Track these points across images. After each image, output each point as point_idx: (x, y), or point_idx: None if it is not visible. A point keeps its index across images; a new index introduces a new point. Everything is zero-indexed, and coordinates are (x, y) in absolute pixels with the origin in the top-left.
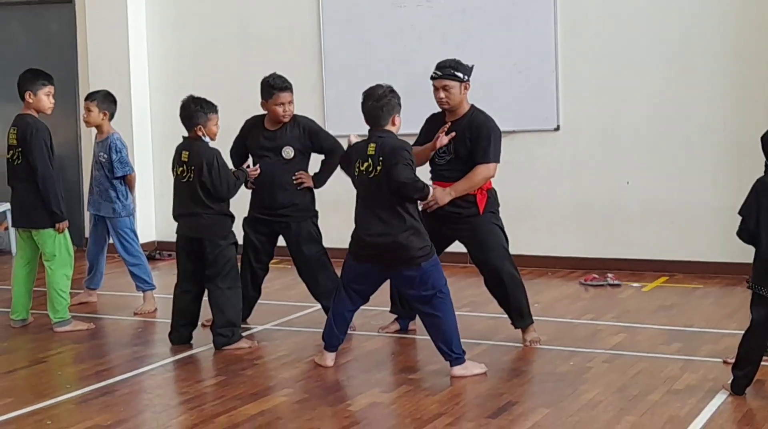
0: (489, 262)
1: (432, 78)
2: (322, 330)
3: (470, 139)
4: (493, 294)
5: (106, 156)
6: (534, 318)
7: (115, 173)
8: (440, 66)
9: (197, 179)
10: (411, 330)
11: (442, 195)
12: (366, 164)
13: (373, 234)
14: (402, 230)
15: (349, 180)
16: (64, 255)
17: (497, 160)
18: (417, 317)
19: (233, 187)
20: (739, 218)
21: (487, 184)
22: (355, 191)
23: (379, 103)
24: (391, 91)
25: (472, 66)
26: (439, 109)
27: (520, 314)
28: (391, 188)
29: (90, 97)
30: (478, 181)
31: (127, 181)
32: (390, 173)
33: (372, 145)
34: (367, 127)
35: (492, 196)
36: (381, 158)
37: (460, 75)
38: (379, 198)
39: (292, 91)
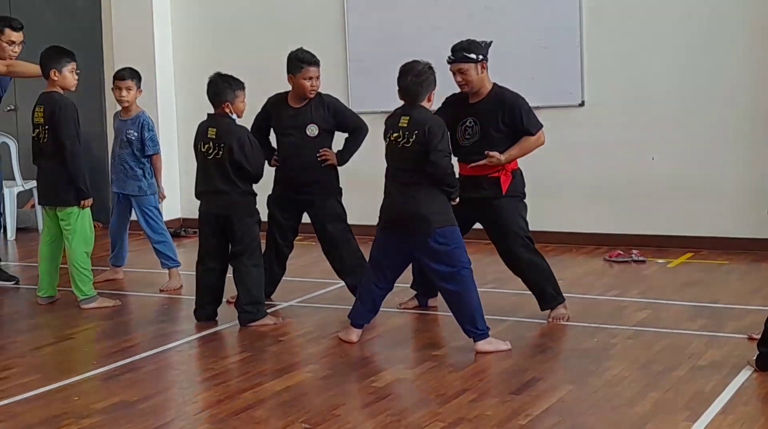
0: (506, 248)
1: (447, 62)
2: (346, 306)
3: (502, 120)
4: (517, 276)
5: (136, 134)
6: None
7: (146, 151)
8: (453, 50)
9: (227, 157)
10: (432, 306)
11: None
12: (396, 135)
13: (399, 203)
14: (428, 200)
15: (373, 157)
16: (86, 232)
17: (541, 125)
18: (438, 294)
19: (264, 163)
20: (767, 195)
21: (513, 164)
22: (378, 168)
23: (418, 78)
24: (430, 67)
25: (490, 42)
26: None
27: (542, 298)
28: (427, 171)
29: (129, 75)
30: (531, 148)
31: (154, 159)
32: (429, 156)
33: (405, 117)
34: (394, 103)
35: (517, 176)
36: (416, 132)
37: (473, 56)
38: (406, 168)
39: (319, 67)
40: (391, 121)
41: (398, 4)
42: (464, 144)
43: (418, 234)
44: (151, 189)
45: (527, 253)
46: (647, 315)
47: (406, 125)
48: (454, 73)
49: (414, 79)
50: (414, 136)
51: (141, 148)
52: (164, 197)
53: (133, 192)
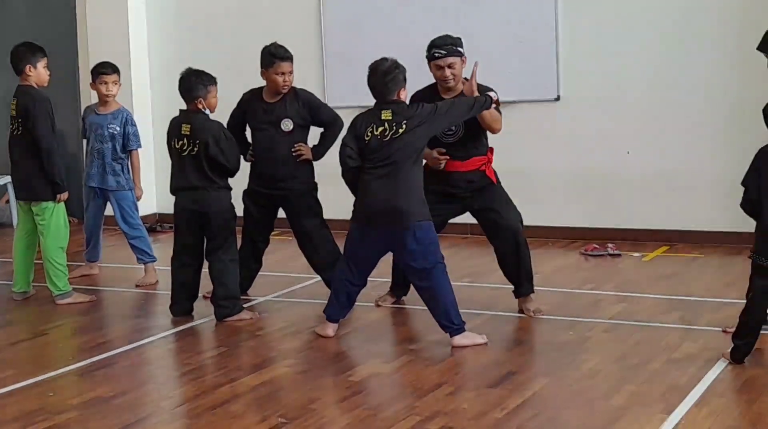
0: (508, 224)
1: (435, 57)
2: (323, 301)
3: None
4: (504, 261)
5: (119, 129)
6: (535, 288)
7: (129, 146)
8: (440, 44)
9: (203, 153)
10: (402, 300)
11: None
12: (381, 129)
13: (379, 197)
14: (407, 194)
15: None
16: (61, 227)
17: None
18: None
19: (240, 158)
20: (742, 189)
21: (490, 158)
22: None
23: (385, 78)
24: (397, 65)
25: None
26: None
27: (528, 279)
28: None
29: (113, 70)
30: (494, 116)
31: (133, 155)
32: (450, 114)
33: (386, 111)
34: (370, 98)
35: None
36: (405, 121)
37: (462, 50)
38: (388, 161)
39: (292, 62)
40: (369, 117)
41: None
42: (447, 140)
43: (397, 227)
44: (129, 184)
45: (523, 229)
46: (623, 308)
47: (390, 118)
48: (441, 68)
49: (381, 78)
50: (404, 125)
51: (123, 143)
52: (141, 195)
53: (112, 187)
